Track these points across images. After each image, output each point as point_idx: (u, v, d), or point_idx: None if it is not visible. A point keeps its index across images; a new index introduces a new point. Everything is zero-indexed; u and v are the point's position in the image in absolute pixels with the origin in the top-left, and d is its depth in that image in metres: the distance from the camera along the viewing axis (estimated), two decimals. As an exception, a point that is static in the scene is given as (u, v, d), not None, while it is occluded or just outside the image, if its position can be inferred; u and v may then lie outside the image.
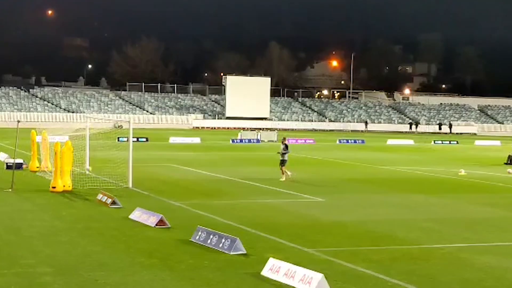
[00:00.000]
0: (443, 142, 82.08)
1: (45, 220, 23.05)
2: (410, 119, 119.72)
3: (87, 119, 38.36)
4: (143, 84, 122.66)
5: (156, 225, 21.64)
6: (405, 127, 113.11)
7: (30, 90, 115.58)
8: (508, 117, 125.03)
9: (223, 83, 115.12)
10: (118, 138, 54.05)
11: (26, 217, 23.32)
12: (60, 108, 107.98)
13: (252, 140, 72.25)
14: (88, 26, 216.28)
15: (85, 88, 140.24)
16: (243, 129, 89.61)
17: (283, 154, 35.61)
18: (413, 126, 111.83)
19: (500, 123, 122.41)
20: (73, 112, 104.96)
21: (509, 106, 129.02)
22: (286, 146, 36.04)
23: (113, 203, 25.54)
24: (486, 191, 34.57)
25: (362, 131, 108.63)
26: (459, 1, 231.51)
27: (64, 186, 29.35)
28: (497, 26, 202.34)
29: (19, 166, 35.64)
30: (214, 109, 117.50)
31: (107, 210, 24.91)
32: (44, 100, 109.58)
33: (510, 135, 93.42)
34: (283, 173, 35.52)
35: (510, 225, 24.40)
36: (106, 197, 26.16)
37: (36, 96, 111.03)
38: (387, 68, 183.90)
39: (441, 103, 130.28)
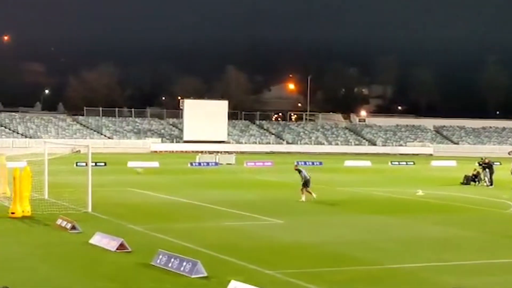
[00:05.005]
0: (400, 163, 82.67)
1: (5, 246, 22.92)
2: (367, 140, 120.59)
3: (45, 144, 38.05)
4: (100, 108, 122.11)
5: (117, 249, 21.63)
6: (362, 149, 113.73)
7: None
8: (463, 138, 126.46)
9: (180, 107, 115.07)
10: (77, 163, 53.75)
11: (-15, 244, 23.20)
12: (18, 133, 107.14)
13: (210, 163, 72.18)
14: (45, 51, 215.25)
15: (42, 113, 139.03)
16: (201, 152, 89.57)
17: None
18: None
19: (455, 143, 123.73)
20: (31, 138, 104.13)
21: (464, 126, 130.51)
22: None
23: (73, 228, 25.43)
24: (443, 211, 34.93)
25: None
26: (413, 24, 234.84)
27: (23, 211, 29.19)
28: (450, 48, 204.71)
29: (-24, 192, 35.33)
30: (172, 132, 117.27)
31: (67, 235, 24.81)
32: (1, 126, 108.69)
33: (465, 155, 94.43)
34: None
35: (466, 244, 24.76)
36: (65, 222, 26.04)
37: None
38: (343, 90, 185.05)
39: (397, 125, 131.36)
